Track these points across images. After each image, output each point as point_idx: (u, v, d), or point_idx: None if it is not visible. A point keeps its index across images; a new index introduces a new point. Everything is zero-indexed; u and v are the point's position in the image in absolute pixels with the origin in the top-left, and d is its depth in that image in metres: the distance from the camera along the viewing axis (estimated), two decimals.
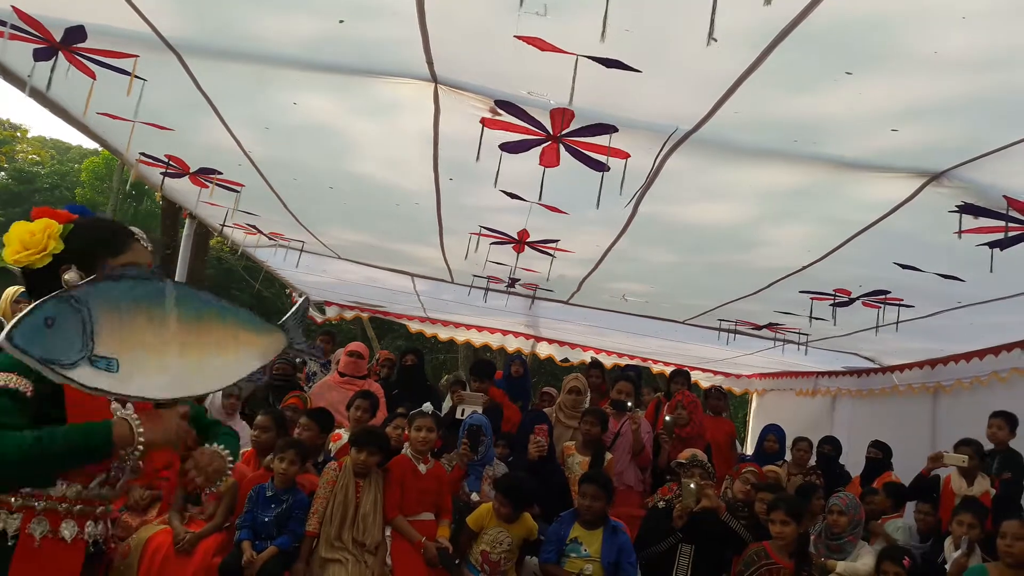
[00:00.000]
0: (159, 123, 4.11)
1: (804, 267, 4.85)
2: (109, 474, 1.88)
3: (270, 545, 3.97)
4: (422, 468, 4.44)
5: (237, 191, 5.34)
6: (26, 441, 1.58)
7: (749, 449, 8.83)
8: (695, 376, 10.01)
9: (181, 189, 5.56)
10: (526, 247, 5.63)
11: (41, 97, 3.78)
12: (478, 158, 3.53)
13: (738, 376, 10.79)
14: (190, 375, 1.76)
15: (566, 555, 4.35)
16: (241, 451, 4.89)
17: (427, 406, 4.58)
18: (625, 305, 7.35)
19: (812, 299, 5.69)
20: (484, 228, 5.32)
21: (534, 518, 4.69)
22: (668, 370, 9.03)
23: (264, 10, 2.96)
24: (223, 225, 6.39)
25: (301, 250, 6.99)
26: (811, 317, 5.97)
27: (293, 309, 2.18)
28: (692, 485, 4.22)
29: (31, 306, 1.58)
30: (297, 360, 7.21)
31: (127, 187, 18.97)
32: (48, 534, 1.75)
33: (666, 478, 5.31)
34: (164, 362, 1.72)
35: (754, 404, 11.01)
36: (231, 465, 2.04)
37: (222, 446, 2.05)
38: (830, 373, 8.78)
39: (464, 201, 4.77)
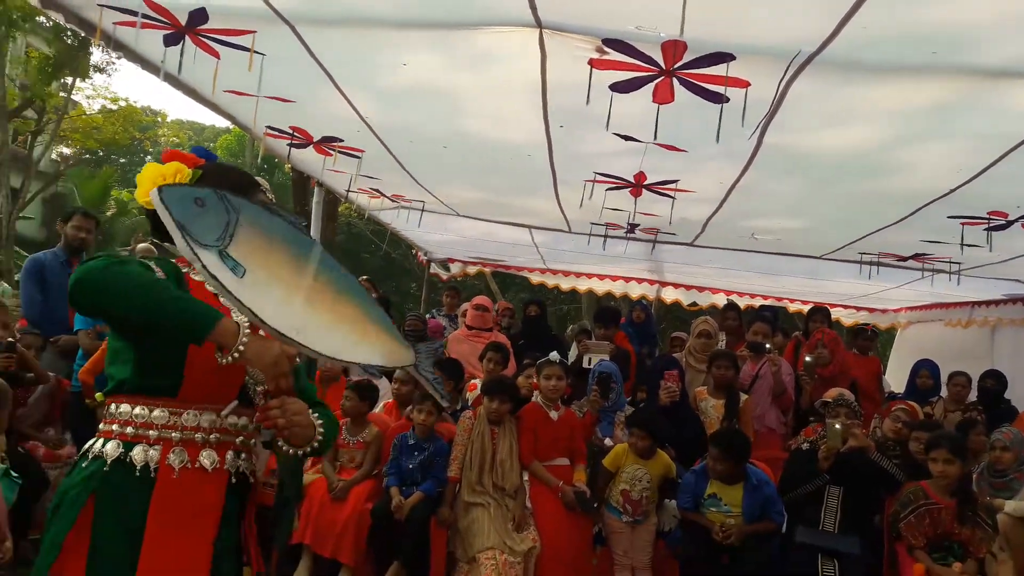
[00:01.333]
0: (281, 96, 4.27)
1: (952, 190, 4.46)
2: (239, 401, 1.83)
3: (416, 491, 4.16)
4: (553, 415, 4.49)
5: (358, 157, 5.49)
6: (151, 276, 1.66)
7: (892, 387, 8.33)
8: (836, 313, 9.53)
9: (307, 159, 5.78)
10: (643, 190, 5.48)
11: (174, 81, 4.01)
12: (588, 101, 3.44)
13: (883, 311, 10.17)
14: (310, 326, 1.71)
15: (705, 508, 4.29)
16: (383, 403, 5.14)
17: (554, 355, 4.62)
18: (756, 244, 7.06)
19: (963, 224, 5.25)
20: (598, 174, 5.22)
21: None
22: (806, 309, 8.63)
23: None
24: (348, 191, 6.61)
25: (422, 210, 7.13)
26: (963, 244, 5.52)
27: (431, 346, 2.11)
28: (837, 425, 4.03)
29: (189, 183, 1.70)
30: (426, 315, 7.42)
31: (258, 160, 19.96)
32: (187, 464, 1.72)
33: (809, 419, 5.12)
34: (290, 299, 1.70)
35: (896, 339, 10.37)
36: (319, 438, 1.87)
37: (318, 418, 1.91)
38: (988, 302, 8.10)
39: (576, 148, 4.69)
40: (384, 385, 5.25)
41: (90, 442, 1.75)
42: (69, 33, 15.27)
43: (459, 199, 6.88)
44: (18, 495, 3.64)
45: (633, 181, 5.29)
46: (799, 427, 5.04)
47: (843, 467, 4.06)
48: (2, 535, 2.38)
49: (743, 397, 5.17)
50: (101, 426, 1.76)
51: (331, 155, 5.47)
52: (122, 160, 32.38)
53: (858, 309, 10.14)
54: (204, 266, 1.60)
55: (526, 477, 4.38)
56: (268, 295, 1.67)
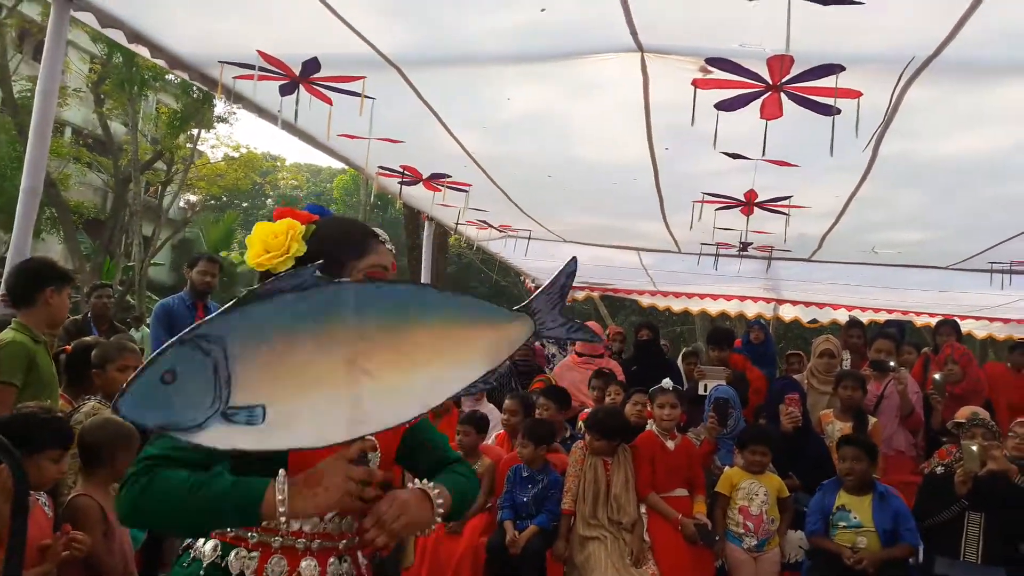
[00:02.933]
0: (391, 137, 4.46)
1: None
2: None
3: (530, 524, 4.16)
4: (670, 444, 4.40)
5: (466, 191, 5.65)
6: (179, 483, 1.42)
7: None
8: (967, 326, 8.94)
9: (417, 195, 5.99)
10: (755, 208, 5.36)
11: (291, 128, 4.26)
12: (693, 122, 3.41)
13: (1020, 321, 9.45)
14: (374, 404, 1.40)
15: (834, 525, 4.08)
16: (495, 434, 5.19)
17: (667, 382, 4.53)
18: (877, 257, 6.75)
19: None
20: (707, 195, 5.15)
21: (792, 491, 4.48)
22: (933, 322, 8.12)
23: (468, 13, 3.09)
24: (457, 224, 6.79)
25: (529, 238, 7.23)
26: None
27: (552, 279, 1.58)
28: (974, 447, 3.76)
29: (146, 361, 1.31)
30: (535, 343, 7.47)
31: (371, 198, 20.78)
32: (286, 574, 1.56)
33: (941, 440, 4.80)
34: (334, 395, 1.38)
35: None
36: (441, 512, 1.60)
37: (433, 486, 1.63)
38: None
39: (682, 168, 4.65)
40: (494, 415, 5.32)
41: (189, 543, 1.63)
42: (195, 88, 16.49)
43: (565, 226, 6.94)
44: (148, 534, 3.77)
45: (744, 200, 5.19)
46: (931, 450, 4.73)
47: (984, 492, 3.77)
48: (128, 574, 2.54)
49: (871, 420, 4.92)
50: None
51: (440, 190, 5.65)
52: (244, 204, 34.47)
53: (991, 320, 9.46)
54: (213, 448, 1.33)
55: (643, 509, 4.28)
56: (304, 413, 1.37)
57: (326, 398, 1.38)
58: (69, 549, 2.31)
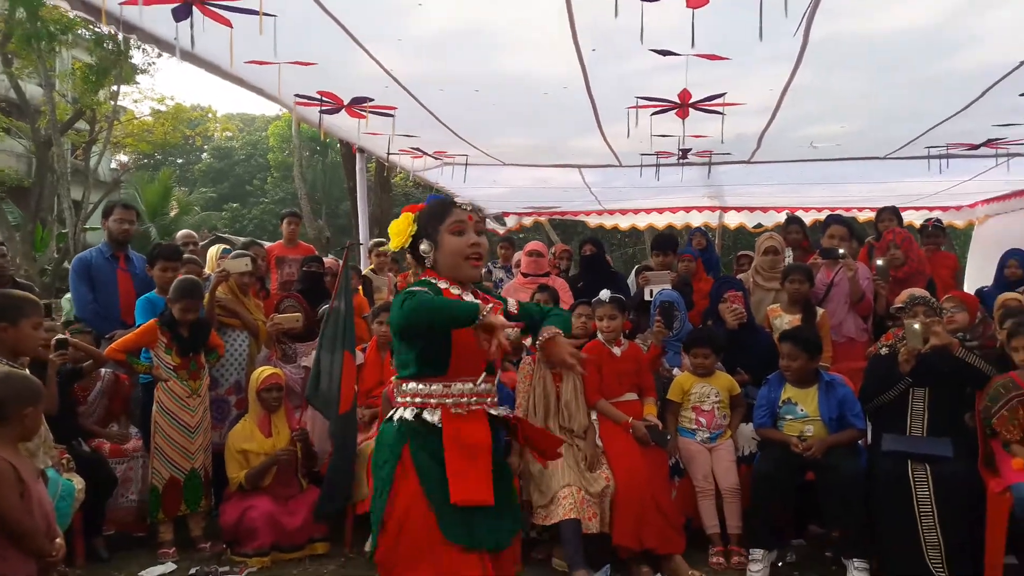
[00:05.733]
0: (302, 60, 4.20)
1: (1022, 62, 4.11)
2: (486, 373, 2.41)
3: None
4: (616, 351, 4.37)
5: (391, 115, 5.40)
6: (429, 297, 2.24)
7: (967, 286, 7.89)
8: (908, 216, 9.07)
9: (341, 124, 5.72)
10: (690, 109, 5.25)
11: (191, 57, 3.97)
12: (616, 13, 3.25)
13: (958, 208, 9.64)
14: None
15: (781, 417, 4.14)
16: None
17: (604, 293, 4.47)
18: (816, 152, 6.73)
19: None
20: (641, 99, 5.01)
21: (742, 386, 4.52)
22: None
23: None
24: (389, 153, 6.55)
25: (466, 164, 7.03)
26: None
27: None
28: (916, 325, 3.78)
29: None
30: (483, 270, 7.36)
31: (299, 137, 20.04)
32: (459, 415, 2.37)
33: (887, 325, 4.86)
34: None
35: (974, 234, 9.81)
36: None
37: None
38: None
39: (613, 71, 4.49)
40: None
41: (392, 411, 2.45)
42: (109, 40, 15.54)
43: (502, 147, 6.74)
44: (91, 492, 3.67)
45: (678, 101, 5.06)
46: (879, 335, 4.79)
47: (927, 368, 3.82)
48: (52, 533, 2.42)
49: (819, 312, 4.95)
50: (398, 399, 2.44)
51: (364, 117, 5.40)
52: (180, 160, 33.25)
53: (931, 209, 9.63)
54: None
55: (594, 416, 4.27)
56: None
57: None
58: None
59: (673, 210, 10.59)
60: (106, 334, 4.72)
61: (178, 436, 4.34)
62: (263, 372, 4.48)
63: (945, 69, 4.43)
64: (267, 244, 7.01)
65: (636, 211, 10.75)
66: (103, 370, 4.55)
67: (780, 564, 4.08)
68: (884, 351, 4.08)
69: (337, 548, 4.33)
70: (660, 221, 10.78)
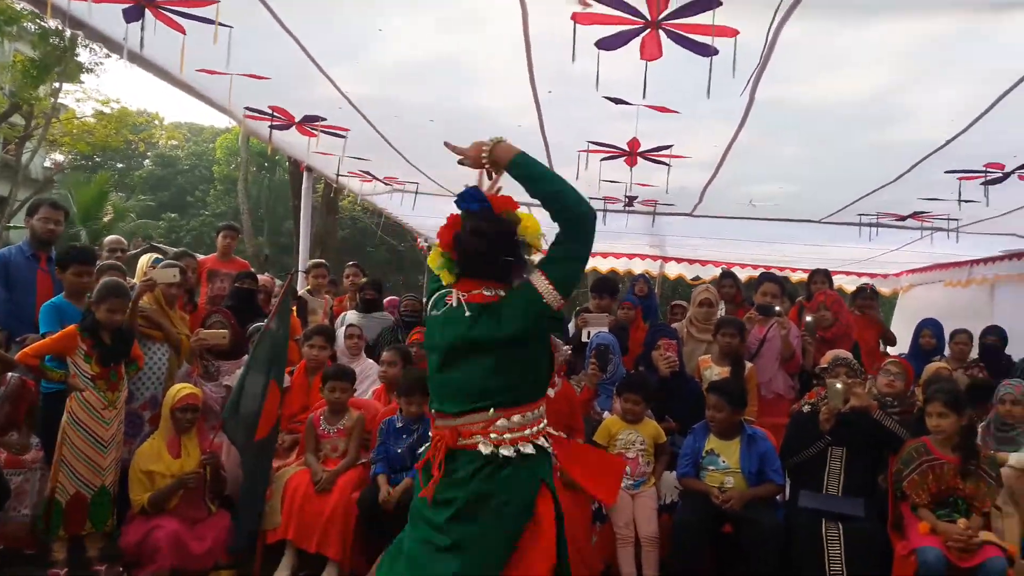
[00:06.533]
0: (256, 73, 4.15)
1: (949, 140, 4.34)
2: None
3: (405, 477, 4.04)
4: (549, 391, 4.36)
5: (343, 136, 5.37)
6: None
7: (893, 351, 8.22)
8: (839, 281, 9.41)
9: (291, 141, 5.67)
10: (639, 158, 5.37)
11: (139, 60, 3.88)
12: (573, 59, 3.32)
13: (884, 276, 10.08)
14: None
15: (703, 468, 4.19)
16: (372, 388, 5.03)
17: None
18: (755, 211, 6.94)
19: (960, 179, 5.16)
20: (592, 143, 5.10)
21: (669, 433, 4.57)
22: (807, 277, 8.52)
23: None
24: (338, 175, 6.49)
25: (416, 192, 7.01)
26: (960, 200, 5.42)
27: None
28: (838, 385, 3.90)
29: None
30: (425, 299, 7.32)
31: (250, 156, 19.76)
32: None
33: (813, 383, 5.00)
34: None
35: (898, 302, 10.26)
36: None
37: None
38: (986, 260, 7.98)
39: (566, 114, 4.56)
40: (373, 371, 5.17)
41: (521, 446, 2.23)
42: (55, 36, 15.12)
43: (453, 178, 6.75)
44: None
45: (627, 149, 5.18)
46: (804, 392, 4.91)
47: (845, 428, 3.94)
48: None
49: (748, 366, 5.06)
50: (527, 431, 2.27)
51: (315, 135, 5.35)
52: (120, 165, 32.28)
53: (860, 275, 10.06)
54: None
55: None
56: None
57: None
58: None
59: (617, 255, 10.80)
60: (17, 337, 4.47)
61: (89, 450, 4.07)
62: (181, 390, 4.28)
63: (879, 141, 4.64)
64: (201, 257, 6.83)
65: None
66: (9, 374, 4.29)
67: None
68: (806, 409, 4.18)
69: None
70: (604, 265, 10.94)
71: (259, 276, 6.19)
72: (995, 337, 5.92)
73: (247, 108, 4.86)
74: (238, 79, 4.15)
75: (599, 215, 7.06)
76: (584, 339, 5.22)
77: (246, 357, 4.38)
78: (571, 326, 6.69)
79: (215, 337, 4.70)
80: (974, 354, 5.87)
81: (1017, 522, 3.82)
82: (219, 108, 4.82)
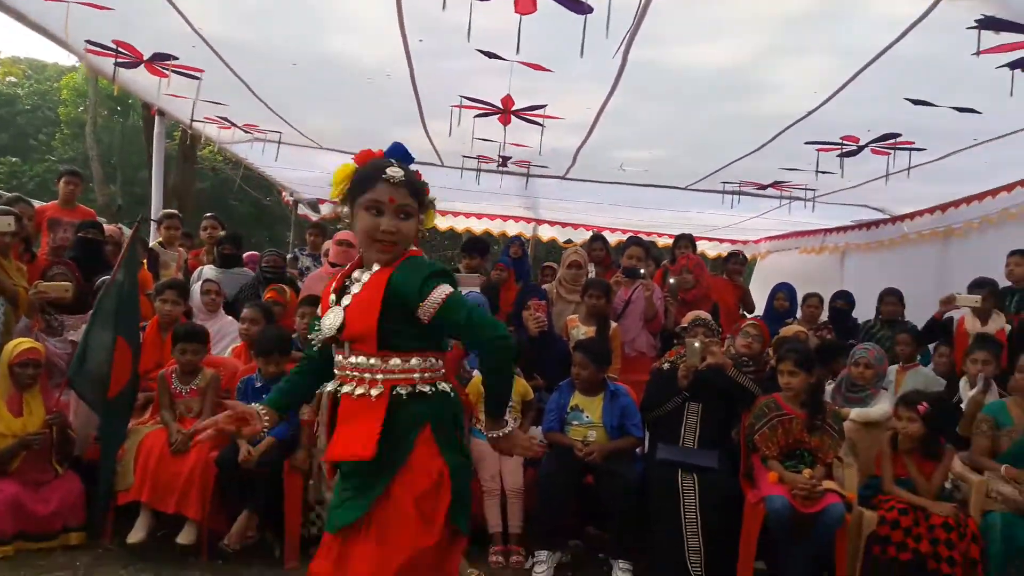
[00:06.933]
0: (96, 2, 3.75)
1: (810, 112, 4.55)
2: None
3: (266, 436, 3.88)
4: None
5: (198, 77, 4.99)
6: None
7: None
8: (702, 246, 9.82)
9: (139, 81, 5.22)
10: (512, 117, 5.32)
11: None
12: (444, 6, 3.20)
13: (744, 242, 10.59)
14: None
15: (568, 423, 4.28)
16: (231, 347, 4.79)
17: None
18: (625, 176, 7.08)
19: (819, 151, 5.43)
20: (465, 98, 5.00)
21: (536, 390, 4.62)
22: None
23: None
24: (192, 120, 6.06)
25: (279, 142, 6.67)
26: (817, 171, 5.72)
27: None
28: (696, 343, 4.06)
29: None
30: (288, 255, 7.02)
31: (99, 100, 18.22)
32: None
33: (673, 342, 5.18)
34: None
35: (756, 267, 10.85)
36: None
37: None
38: (838, 229, 8.56)
39: (438, 65, 4.43)
40: (232, 328, 4.92)
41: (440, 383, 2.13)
42: None
43: (319, 129, 6.47)
44: None
45: (501, 106, 5.11)
46: (665, 351, 5.09)
47: (702, 384, 4.12)
48: None
49: (613, 325, 5.18)
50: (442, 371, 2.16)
51: (166, 76, 4.95)
52: None
53: (721, 241, 10.53)
54: None
55: None
56: None
57: None
58: None
59: (491, 217, 10.81)
60: None
61: None
62: (19, 344, 3.94)
63: (744, 110, 4.80)
64: (39, 204, 6.24)
65: (456, 214, 10.81)
66: None
67: (556, 565, 4.19)
68: (666, 367, 4.33)
69: (95, 539, 3.91)
70: (478, 226, 10.91)
71: (106, 226, 5.71)
72: (843, 301, 6.34)
73: (89, 42, 4.42)
74: (77, 7, 3.76)
75: (472, 174, 7.03)
76: None
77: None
78: None
79: (56, 290, 4.36)
80: (824, 317, 6.26)
81: (856, 472, 4.12)
82: (55, 39, 4.36)
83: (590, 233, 10.29)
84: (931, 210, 6.81)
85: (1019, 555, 3.69)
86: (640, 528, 3.96)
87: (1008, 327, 4.91)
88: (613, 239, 9.98)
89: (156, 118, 6.49)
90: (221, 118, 6.17)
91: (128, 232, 5.61)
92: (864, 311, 6.22)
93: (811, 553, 3.80)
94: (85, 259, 4.99)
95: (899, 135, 4.93)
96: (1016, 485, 3.83)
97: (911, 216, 7.18)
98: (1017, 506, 3.77)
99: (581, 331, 5.06)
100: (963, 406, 4.41)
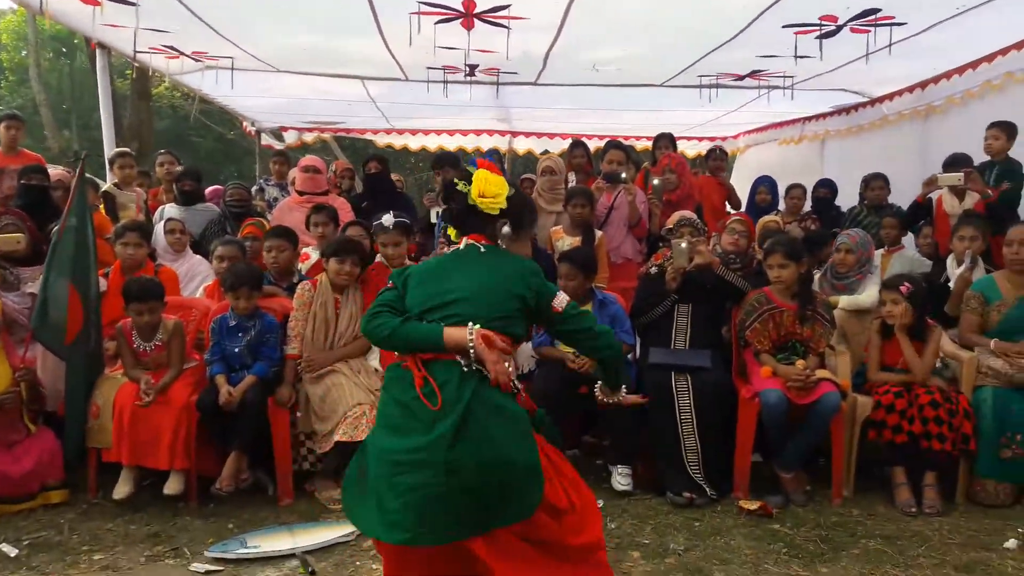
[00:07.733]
0: None
1: None
2: None
3: (246, 375, 3.78)
4: None
5: (135, 3, 4.64)
6: (391, 324, 2.33)
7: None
8: (681, 146, 9.61)
9: (71, 12, 4.84)
10: (475, 20, 5.03)
11: None
12: None
13: (723, 139, 10.39)
14: None
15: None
16: (204, 285, 4.62)
17: (387, 218, 4.23)
18: (598, 77, 6.81)
19: (796, 34, 5.20)
20: (423, 3, 4.69)
21: None
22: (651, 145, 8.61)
23: None
24: (136, 51, 5.69)
25: (232, 68, 6.31)
26: (796, 56, 5.50)
27: None
28: (683, 244, 3.95)
29: None
30: (253, 187, 6.77)
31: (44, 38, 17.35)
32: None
33: (659, 245, 5.08)
34: None
35: (735, 163, 10.69)
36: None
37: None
38: (817, 116, 8.37)
39: None
40: (202, 268, 4.74)
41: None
42: None
43: (272, 49, 6.11)
44: None
45: (462, 10, 4.82)
46: (651, 255, 4.99)
47: (690, 285, 4.05)
48: None
49: (598, 234, 5.06)
50: None
51: (99, 4, 4.59)
52: None
53: (700, 139, 10.32)
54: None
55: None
56: None
57: None
58: None
59: (464, 132, 10.47)
60: None
61: None
62: None
63: None
64: None
65: (427, 131, 10.49)
66: None
67: None
68: (653, 270, 4.23)
69: (78, 496, 3.82)
70: (451, 143, 10.61)
71: (52, 170, 5.40)
72: (826, 189, 6.24)
73: None
74: None
75: (440, 86, 6.73)
76: (432, 220, 5.01)
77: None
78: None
79: (8, 243, 4.16)
80: (808, 207, 6.16)
81: (849, 359, 4.09)
82: None
83: (567, 142, 10.07)
84: (911, 88, 6.64)
85: (1011, 428, 3.71)
86: (637, 434, 3.94)
87: (990, 193, 4.83)
88: (591, 146, 9.74)
89: (96, 52, 6.09)
90: (167, 47, 5.80)
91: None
92: (846, 198, 6.13)
93: (808, 442, 3.80)
94: (34, 207, 4.73)
95: (879, 10, 4.71)
96: (1007, 359, 3.82)
97: (890, 97, 7.00)
98: (1008, 379, 3.76)
99: (567, 242, 4.94)
100: (951, 285, 4.37)
